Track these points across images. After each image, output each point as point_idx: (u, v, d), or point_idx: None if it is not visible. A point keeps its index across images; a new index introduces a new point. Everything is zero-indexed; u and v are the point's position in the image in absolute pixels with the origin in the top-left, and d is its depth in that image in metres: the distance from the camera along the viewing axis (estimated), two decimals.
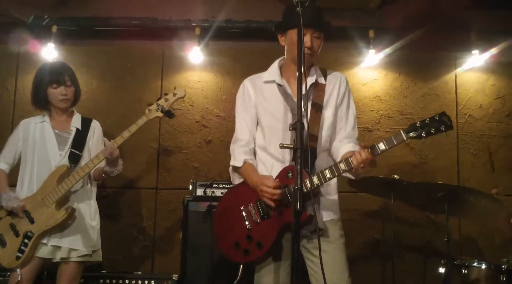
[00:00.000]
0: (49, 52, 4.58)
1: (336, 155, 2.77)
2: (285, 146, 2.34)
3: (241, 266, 2.86)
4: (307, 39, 2.66)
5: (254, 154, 2.89)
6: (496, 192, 4.10)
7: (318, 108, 2.75)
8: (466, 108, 4.72)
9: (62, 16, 4.66)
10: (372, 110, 4.71)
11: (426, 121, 2.43)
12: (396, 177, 3.84)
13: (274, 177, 2.69)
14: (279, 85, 2.81)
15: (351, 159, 2.50)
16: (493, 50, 4.64)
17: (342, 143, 2.78)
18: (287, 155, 2.72)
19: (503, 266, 3.36)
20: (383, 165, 4.56)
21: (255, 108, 2.85)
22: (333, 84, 2.84)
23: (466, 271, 3.48)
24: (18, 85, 4.73)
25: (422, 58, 4.77)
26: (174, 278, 3.85)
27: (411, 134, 2.44)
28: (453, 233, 4.32)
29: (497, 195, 3.98)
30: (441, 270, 3.57)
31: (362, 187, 4.21)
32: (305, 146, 2.21)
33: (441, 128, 2.40)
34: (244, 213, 2.73)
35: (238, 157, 2.83)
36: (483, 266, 3.45)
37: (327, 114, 2.77)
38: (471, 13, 4.67)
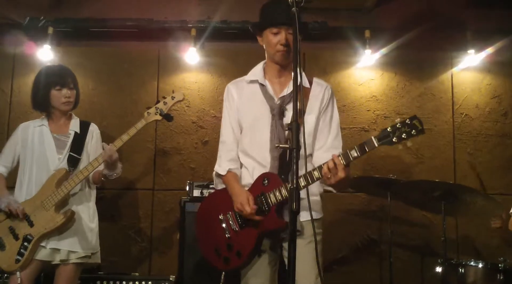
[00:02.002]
0: (45, 54, 4.57)
1: (316, 165, 2.68)
2: (280, 146, 2.33)
3: (223, 273, 2.86)
4: (282, 37, 2.66)
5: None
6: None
7: (299, 112, 2.73)
8: (462, 107, 4.72)
9: (58, 18, 4.65)
10: (368, 110, 4.71)
11: (397, 125, 2.36)
12: (392, 176, 3.85)
13: (251, 184, 2.70)
14: (262, 85, 2.81)
15: (323, 165, 2.47)
16: (489, 50, 4.64)
17: (321, 151, 2.73)
18: (268, 158, 2.69)
19: (500, 265, 3.36)
20: (380, 164, 4.57)
21: (237, 110, 2.85)
22: (318, 91, 2.80)
23: (463, 270, 3.47)
24: (14, 87, 4.72)
25: (418, 58, 4.77)
26: (171, 279, 3.86)
27: (383, 141, 2.38)
28: (450, 232, 4.31)
29: None
30: (438, 269, 3.57)
31: (359, 187, 4.22)
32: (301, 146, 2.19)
33: (412, 132, 2.34)
34: (223, 222, 2.73)
35: (223, 164, 2.83)
36: (480, 265, 3.44)
37: (309, 120, 2.72)
38: (467, 12, 4.69)
